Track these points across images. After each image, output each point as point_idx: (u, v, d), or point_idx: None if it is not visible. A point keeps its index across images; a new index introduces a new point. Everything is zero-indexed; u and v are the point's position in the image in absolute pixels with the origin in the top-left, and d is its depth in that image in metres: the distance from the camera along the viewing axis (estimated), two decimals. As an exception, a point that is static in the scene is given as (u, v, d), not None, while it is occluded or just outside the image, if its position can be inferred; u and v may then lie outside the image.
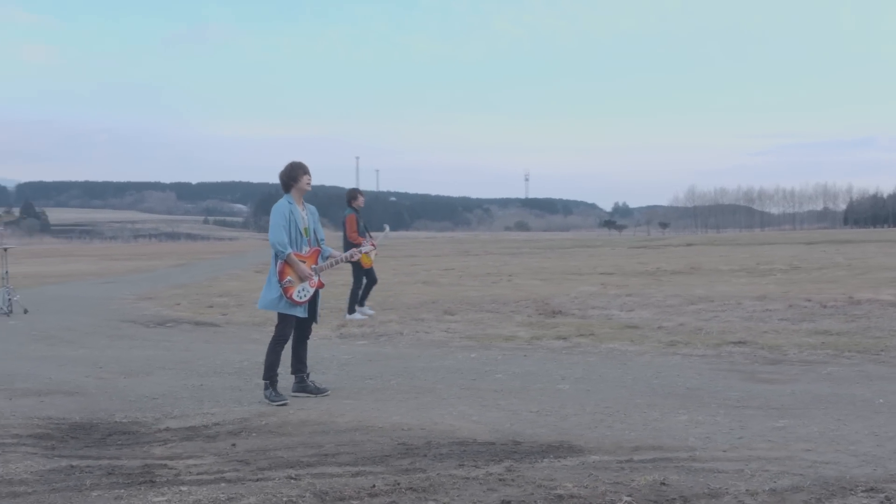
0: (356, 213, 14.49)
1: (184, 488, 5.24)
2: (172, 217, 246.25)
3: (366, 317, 14.30)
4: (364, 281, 14.67)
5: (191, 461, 5.96)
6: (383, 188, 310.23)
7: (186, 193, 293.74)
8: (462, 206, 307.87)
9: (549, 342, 11.17)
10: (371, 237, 14.55)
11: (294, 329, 8.15)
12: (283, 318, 7.97)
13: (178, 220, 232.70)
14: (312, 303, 8.13)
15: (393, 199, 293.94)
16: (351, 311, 14.48)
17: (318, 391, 8.14)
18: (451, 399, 7.76)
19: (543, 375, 8.88)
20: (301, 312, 7.99)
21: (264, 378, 7.93)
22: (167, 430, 6.94)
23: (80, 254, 72.37)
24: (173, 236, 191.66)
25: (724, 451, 5.84)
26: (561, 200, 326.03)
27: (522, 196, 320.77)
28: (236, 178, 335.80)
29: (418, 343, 11.54)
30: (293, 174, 8.01)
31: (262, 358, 10.15)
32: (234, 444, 6.38)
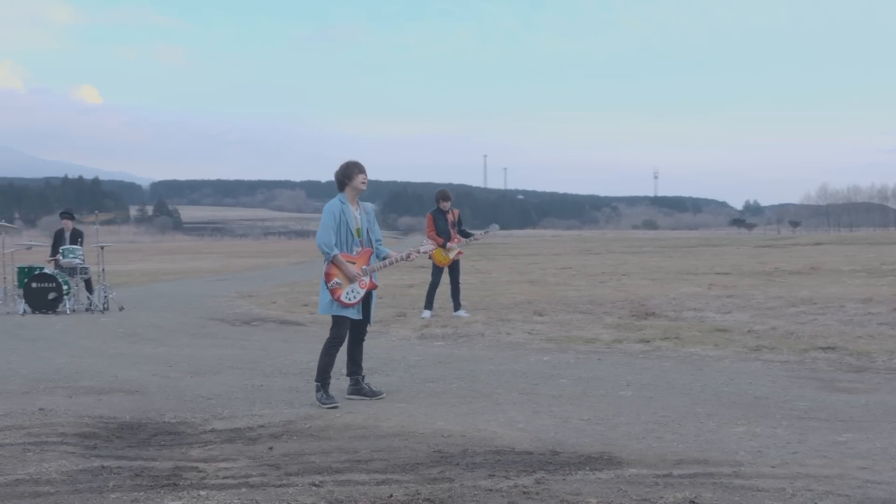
0: (438, 211, 14.35)
1: (202, 492, 5.17)
2: (301, 215, 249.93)
3: (423, 319, 14.03)
4: (438, 280, 14.53)
5: (223, 464, 5.89)
6: (511, 186, 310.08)
7: (316, 191, 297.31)
8: (590, 204, 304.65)
9: (628, 345, 10.80)
10: (473, 236, 14.48)
11: (349, 331, 8.01)
12: (336, 320, 7.84)
13: (307, 218, 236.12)
14: (366, 304, 7.97)
15: (520, 196, 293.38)
16: (456, 307, 14.45)
17: (372, 394, 7.98)
18: (506, 405, 7.52)
19: (610, 381, 8.55)
20: (354, 314, 7.85)
21: (316, 380, 7.82)
22: (212, 431, 6.90)
23: (208, 251, 74.15)
24: (302, 234, 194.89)
25: (773, 468, 5.47)
26: (690, 198, 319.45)
27: (651, 194, 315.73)
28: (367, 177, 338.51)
29: (496, 345, 11.30)
30: (348, 173, 7.86)
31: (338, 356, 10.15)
32: (271, 448, 6.29)
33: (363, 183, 7.88)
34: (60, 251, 17.01)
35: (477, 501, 4.90)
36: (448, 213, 14.50)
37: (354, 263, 7.79)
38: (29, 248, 19.46)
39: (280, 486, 5.31)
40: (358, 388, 8.03)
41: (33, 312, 16.19)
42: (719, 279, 22.85)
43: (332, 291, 7.74)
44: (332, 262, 7.75)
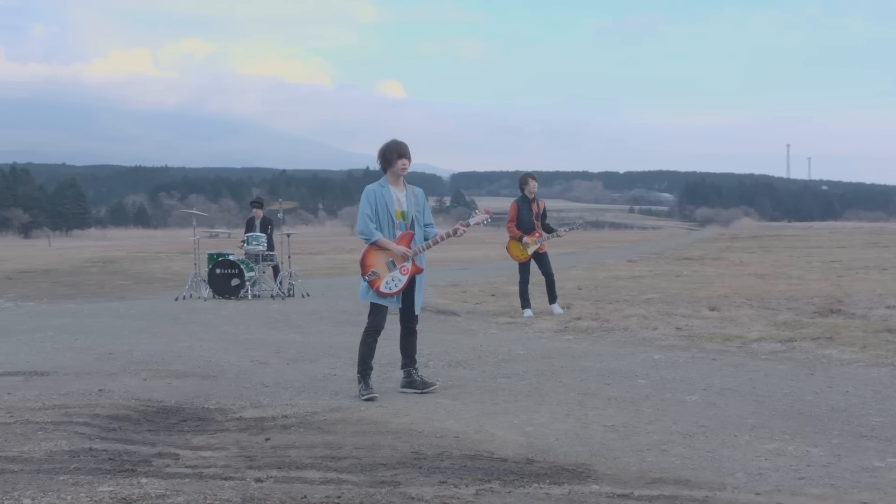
0: (524, 200, 13.57)
1: (145, 480, 5.10)
2: (598, 206, 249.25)
3: (528, 317, 13.26)
4: (527, 277, 13.79)
5: (208, 453, 5.85)
6: (815, 176, 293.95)
7: (613, 182, 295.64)
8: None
9: (765, 345, 9.80)
10: (556, 232, 13.80)
11: (400, 323, 7.67)
12: (373, 308, 7.56)
13: (604, 209, 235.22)
14: (409, 292, 7.57)
15: (824, 187, 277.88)
16: (550, 301, 13.60)
17: (424, 386, 7.66)
18: (544, 405, 7.02)
19: (689, 384, 7.77)
20: (392, 302, 7.49)
21: (358, 371, 7.51)
22: (239, 419, 6.89)
23: (490, 240, 74.79)
24: (597, 225, 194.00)
25: (757, 494, 4.77)
26: None
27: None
28: (663, 167, 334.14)
29: (625, 341, 10.59)
30: (388, 157, 7.50)
31: (440, 348, 9.83)
32: (267, 439, 6.19)
33: (403, 168, 7.50)
34: (245, 238, 17.59)
35: (392, 510, 4.54)
36: (534, 202, 13.64)
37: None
38: (216, 235, 20.31)
39: (226, 478, 5.17)
40: (410, 381, 7.72)
41: (216, 297, 16.82)
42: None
43: (371, 283, 7.43)
44: (371, 247, 7.42)
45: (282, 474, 5.24)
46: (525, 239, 13.45)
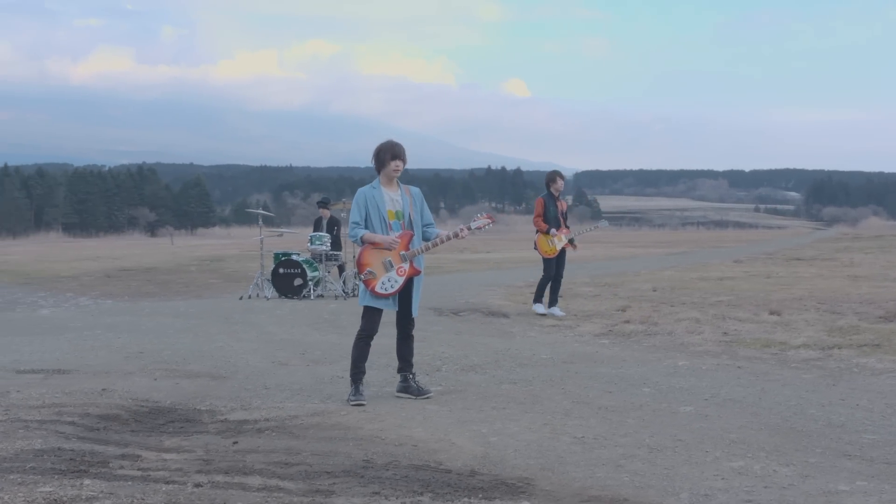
0: (550, 196, 13.42)
1: (88, 481, 5.12)
2: (722, 205, 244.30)
3: (539, 313, 13.23)
4: (551, 274, 13.52)
5: (173, 455, 5.85)
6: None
7: (739, 181, 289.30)
8: None
9: (803, 352, 9.39)
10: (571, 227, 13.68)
11: (396, 326, 7.53)
12: (366, 311, 7.40)
13: (728, 208, 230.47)
14: (407, 295, 7.40)
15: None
16: (551, 303, 13.45)
17: (419, 392, 7.50)
18: (532, 413, 6.80)
19: (692, 393, 7.46)
20: (387, 305, 7.34)
21: (350, 375, 7.40)
22: (223, 421, 6.91)
23: (606, 240, 73.80)
24: (721, 224, 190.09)
25: None
26: None
27: None
28: (790, 165, 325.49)
29: (659, 346, 10.26)
30: (381, 158, 7.36)
31: (463, 351, 9.66)
32: (235, 442, 6.18)
33: (396, 170, 7.32)
34: (309, 238, 17.64)
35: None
36: (559, 200, 13.49)
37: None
38: (280, 235, 20.41)
39: (169, 482, 5.16)
40: (406, 387, 7.57)
41: (280, 297, 16.89)
42: None
43: (366, 283, 7.30)
44: (367, 247, 7.28)
45: (224, 479, 5.20)
46: (553, 231, 13.28)
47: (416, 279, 7.45)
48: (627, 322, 12.03)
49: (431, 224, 7.58)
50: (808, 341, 9.84)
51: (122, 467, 5.48)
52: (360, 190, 7.42)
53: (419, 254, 7.38)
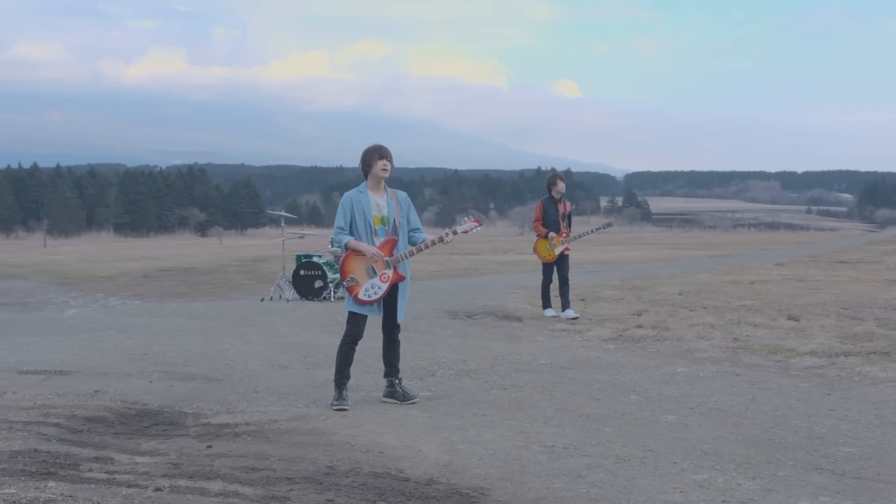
0: (550, 200, 13.46)
1: (52, 483, 5.17)
2: (774, 207, 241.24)
3: (550, 316, 13.29)
4: (550, 278, 13.66)
5: (145, 458, 5.88)
6: None
7: (791, 182, 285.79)
8: None
9: (808, 359, 9.20)
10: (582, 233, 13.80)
11: (382, 331, 7.51)
12: (350, 316, 7.37)
13: (780, 210, 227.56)
14: (392, 300, 7.36)
15: None
16: (564, 306, 13.44)
17: (404, 398, 7.46)
18: (510, 421, 6.73)
19: (678, 401, 7.35)
20: (372, 311, 7.31)
21: (334, 379, 7.38)
22: (205, 424, 6.95)
23: (654, 242, 73.12)
24: (772, 226, 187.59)
25: None
26: None
27: None
28: (843, 167, 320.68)
29: (664, 352, 10.12)
30: (367, 160, 7.31)
31: (462, 356, 9.63)
32: (209, 447, 6.22)
33: (384, 170, 7.26)
34: (330, 240, 17.61)
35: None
36: (560, 202, 13.42)
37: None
38: (302, 237, 20.42)
39: (132, 485, 5.18)
40: (392, 392, 7.54)
41: (300, 299, 16.91)
42: None
43: (349, 289, 7.28)
44: (350, 253, 7.26)
45: (187, 484, 5.22)
46: (551, 235, 13.29)
47: (401, 285, 7.41)
48: (639, 327, 11.88)
49: (418, 229, 7.53)
50: (818, 348, 9.65)
51: (91, 470, 5.52)
52: (346, 194, 7.39)
53: (403, 259, 7.34)
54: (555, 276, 13.56)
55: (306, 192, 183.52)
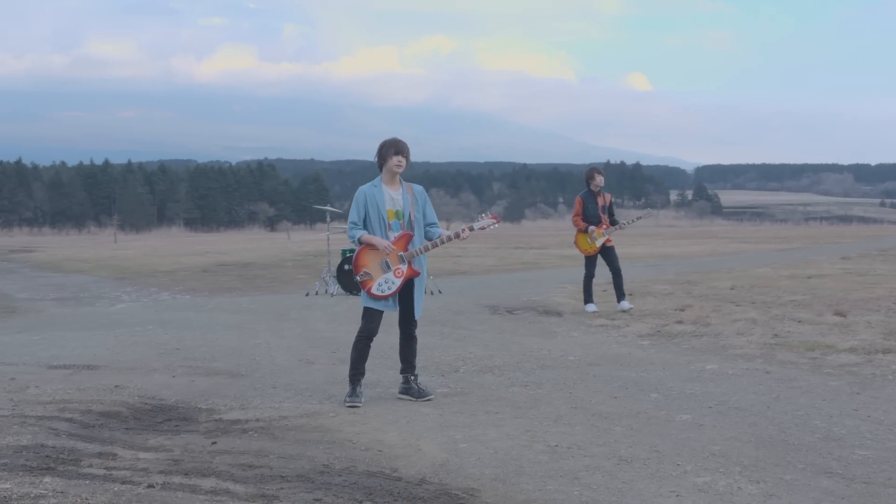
0: (589, 194, 13.31)
1: (48, 479, 5.15)
2: (847, 199, 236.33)
3: (591, 312, 13.16)
4: (593, 271, 13.55)
5: (148, 454, 5.85)
6: None
7: (864, 175, 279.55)
8: None
9: (845, 356, 8.90)
10: (620, 224, 13.46)
11: (399, 327, 7.41)
12: (365, 311, 7.29)
13: (852, 203, 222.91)
14: (408, 296, 7.27)
15: None
16: (619, 298, 13.38)
17: (419, 394, 7.37)
18: (520, 419, 6.59)
19: (699, 400, 7.14)
20: (387, 306, 7.22)
21: (349, 375, 7.31)
22: (217, 420, 6.94)
23: (723, 235, 71.87)
24: (845, 219, 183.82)
25: None
26: None
27: None
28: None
29: (699, 348, 9.87)
30: (382, 154, 7.23)
31: (490, 352, 9.51)
32: (214, 443, 6.18)
33: (398, 165, 7.17)
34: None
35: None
36: (599, 195, 13.20)
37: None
38: (346, 231, 20.29)
39: (126, 482, 5.15)
40: (407, 388, 7.47)
41: (345, 294, 16.88)
42: None
43: (363, 284, 7.20)
44: (364, 247, 7.17)
45: (180, 481, 5.19)
46: (591, 229, 13.14)
47: (416, 280, 7.32)
48: (679, 322, 11.62)
49: (435, 224, 7.42)
50: (858, 345, 9.33)
51: (90, 466, 5.52)
52: (360, 188, 7.31)
53: (419, 254, 7.24)
54: (598, 271, 13.39)
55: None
